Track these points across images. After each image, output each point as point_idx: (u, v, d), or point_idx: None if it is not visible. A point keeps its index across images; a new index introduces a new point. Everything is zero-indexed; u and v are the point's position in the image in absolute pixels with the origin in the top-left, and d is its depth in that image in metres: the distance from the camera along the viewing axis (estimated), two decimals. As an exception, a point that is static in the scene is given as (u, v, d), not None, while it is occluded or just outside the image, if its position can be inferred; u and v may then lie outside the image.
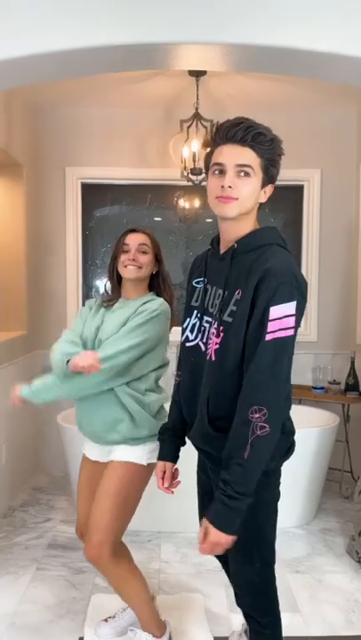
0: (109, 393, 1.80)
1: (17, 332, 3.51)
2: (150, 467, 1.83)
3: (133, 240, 1.91)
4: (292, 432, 1.60)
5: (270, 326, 1.33)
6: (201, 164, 3.31)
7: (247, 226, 1.45)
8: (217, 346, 1.43)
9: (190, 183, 3.42)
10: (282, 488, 3.07)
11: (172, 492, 1.67)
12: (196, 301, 1.56)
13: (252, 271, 1.37)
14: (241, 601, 1.63)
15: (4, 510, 3.14)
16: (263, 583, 1.60)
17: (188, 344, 1.57)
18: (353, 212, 3.82)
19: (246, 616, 1.64)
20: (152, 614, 1.93)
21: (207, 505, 1.42)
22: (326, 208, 3.87)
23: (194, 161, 3.28)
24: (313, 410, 3.46)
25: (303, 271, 3.90)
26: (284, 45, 2.01)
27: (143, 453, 1.83)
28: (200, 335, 1.53)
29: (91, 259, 3.93)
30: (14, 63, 2.05)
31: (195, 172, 3.30)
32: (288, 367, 1.41)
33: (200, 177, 3.36)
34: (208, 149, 1.46)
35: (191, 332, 1.57)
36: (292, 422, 1.60)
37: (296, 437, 3.15)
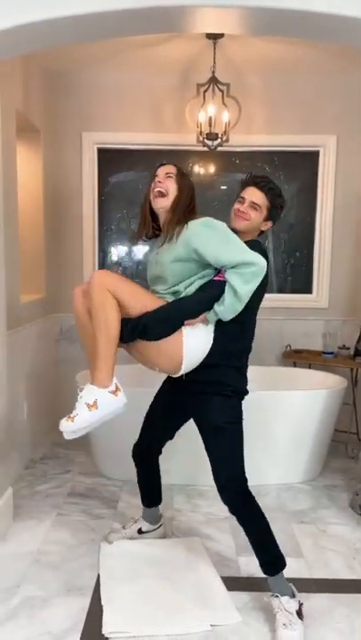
0: None
1: (36, 295, 3.63)
2: None
3: (162, 170, 2.07)
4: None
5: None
6: (217, 129, 3.34)
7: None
8: None
9: (206, 148, 3.44)
10: (288, 445, 3.21)
11: None
12: None
13: None
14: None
15: (26, 462, 3.32)
16: None
17: None
18: (368, 179, 3.83)
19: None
20: (108, 366, 1.93)
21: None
22: (341, 175, 3.87)
23: (210, 125, 3.30)
24: (322, 373, 3.56)
25: (316, 238, 3.96)
26: (304, 9, 2.01)
27: None
28: None
29: (106, 224, 4.00)
30: (30, 28, 2.09)
31: (210, 136, 3.32)
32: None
33: (215, 142, 3.38)
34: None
35: None
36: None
37: (305, 398, 3.29)
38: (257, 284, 1.91)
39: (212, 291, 1.95)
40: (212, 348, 1.98)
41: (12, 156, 2.93)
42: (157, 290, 2.08)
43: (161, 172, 2.07)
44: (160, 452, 2.37)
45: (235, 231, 2.07)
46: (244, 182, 2.13)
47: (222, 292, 1.92)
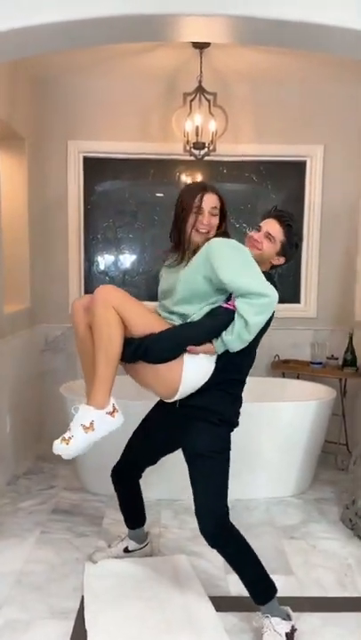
0: None
1: (20, 306, 3.56)
2: None
3: (207, 202, 1.94)
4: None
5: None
6: (204, 138, 3.31)
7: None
8: None
9: (193, 158, 3.41)
10: (277, 457, 3.17)
11: None
12: None
13: None
14: None
15: (9, 478, 3.23)
16: None
17: None
18: (355, 189, 3.83)
19: None
20: (105, 385, 1.87)
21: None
22: (328, 184, 3.87)
23: (197, 135, 3.27)
24: (310, 384, 3.52)
25: (304, 247, 3.94)
26: (288, 19, 2.00)
27: None
28: None
29: (92, 233, 3.95)
30: (17, 34, 2.05)
31: (197, 146, 3.30)
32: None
33: (202, 151, 3.35)
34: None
35: None
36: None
37: (294, 409, 3.24)
38: (267, 317, 1.84)
39: (222, 317, 1.87)
40: (210, 377, 1.92)
41: (-4, 164, 2.88)
42: (166, 304, 2.00)
43: (206, 205, 1.93)
44: (140, 476, 2.29)
45: None
46: (266, 214, 2.11)
47: (231, 320, 1.84)
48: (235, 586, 2.21)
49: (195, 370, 1.89)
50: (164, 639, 1.89)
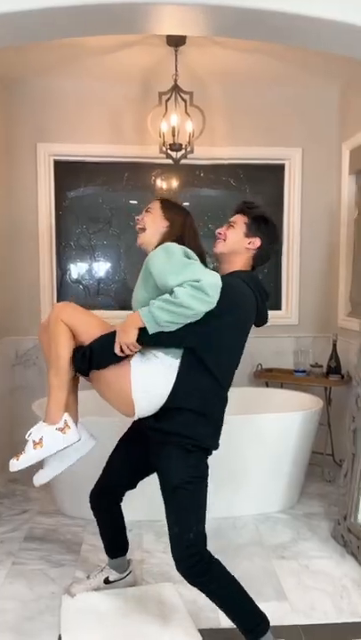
0: None
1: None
2: None
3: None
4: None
5: None
6: (180, 140, 3.18)
7: (237, 266, 1.90)
8: None
9: (170, 160, 3.28)
10: (264, 471, 3.03)
11: None
12: None
13: None
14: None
15: (-22, 502, 3.00)
16: None
17: None
18: (335, 193, 3.75)
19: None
20: (58, 401, 1.82)
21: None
22: (308, 188, 3.79)
23: (173, 135, 3.14)
24: (295, 393, 3.41)
25: (284, 252, 3.84)
26: (266, 8, 1.90)
27: None
28: None
29: (65, 240, 3.76)
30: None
31: (174, 147, 3.16)
32: None
33: (180, 153, 3.22)
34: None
35: None
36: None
37: (279, 421, 3.10)
38: (201, 299, 1.60)
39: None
40: (175, 387, 1.72)
41: None
42: None
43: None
44: (120, 500, 2.10)
45: (215, 257, 1.92)
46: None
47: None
48: (226, 617, 2.06)
49: (146, 376, 1.71)
50: None
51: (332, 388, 3.55)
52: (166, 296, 1.64)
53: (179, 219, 1.92)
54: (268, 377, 3.65)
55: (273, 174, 3.82)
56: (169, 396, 1.72)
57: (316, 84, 3.63)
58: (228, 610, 1.77)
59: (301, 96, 3.70)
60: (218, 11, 1.96)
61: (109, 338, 1.75)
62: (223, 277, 1.72)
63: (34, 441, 1.80)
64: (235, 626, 1.97)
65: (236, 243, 1.87)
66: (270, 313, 3.84)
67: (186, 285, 1.63)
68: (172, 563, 2.40)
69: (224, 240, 1.88)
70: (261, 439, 2.87)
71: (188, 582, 1.77)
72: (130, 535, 2.24)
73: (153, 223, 1.92)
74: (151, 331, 1.65)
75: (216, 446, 1.81)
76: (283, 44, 2.38)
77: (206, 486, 1.78)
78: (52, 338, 1.82)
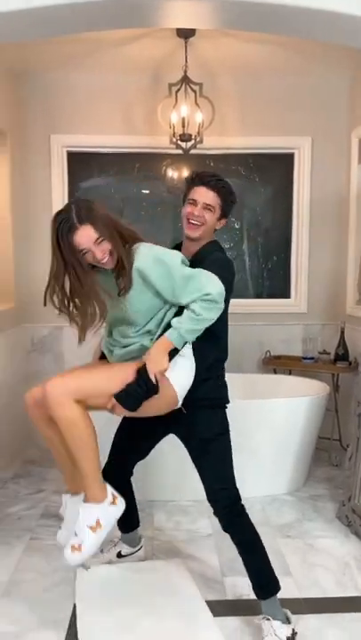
0: None
1: (5, 305, 3.45)
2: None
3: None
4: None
5: None
6: (190, 130, 3.24)
7: (204, 242, 2.00)
8: None
9: (180, 150, 3.34)
10: (271, 455, 3.11)
11: None
12: None
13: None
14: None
15: (-4, 483, 3.14)
16: None
17: None
18: (343, 181, 3.78)
19: None
20: (96, 478, 1.78)
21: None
22: (317, 177, 3.82)
23: (183, 126, 3.20)
24: (303, 379, 3.48)
25: (293, 242, 3.89)
26: (271, 2, 1.94)
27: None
28: None
29: (78, 230, 3.85)
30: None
31: (184, 137, 3.22)
32: None
33: (189, 143, 3.28)
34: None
35: None
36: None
37: (287, 406, 3.19)
38: (216, 308, 1.73)
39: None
40: (197, 365, 1.88)
41: (-25, 158, 2.77)
42: (127, 333, 1.83)
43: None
44: (131, 474, 2.22)
45: (189, 239, 1.96)
46: (189, 181, 1.96)
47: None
48: (232, 589, 2.17)
49: (182, 375, 1.82)
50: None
51: (339, 375, 3.61)
52: (189, 315, 1.72)
53: (104, 218, 1.76)
54: (277, 364, 3.72)
55: (283, 163, 3.85)
56: (195, 374, 1.87)
57: (326, 74, 3.64)
58: (249, 561, 1.90)
59: (311, 85, 3.72)
60: (227, 5, 2.00)
61: (140, 378, 1.73)
62: (217, 253, 1.93)
63: (90, 526, 1.73)
64: (240, 597, 2.09)
65: (211, 225, 1.96)
66: (280, 301, 4.01)
67: (199, 301, 1.72)
68: (182, 539, 2.54)
69: (204, 224, 1.92)
70: (269, 423, 2.95)
71: (223, 527, 1.92)
72: (142, 514, 2.35)
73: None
74: (180, 347, 1.77)
75: (229, 400, 2.01)
76: (291, 36, 2.41)
77: (230, 439, 1.97)
78: (68, 426, 1.69)
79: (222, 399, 1.98)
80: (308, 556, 2.42)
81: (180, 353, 1.80)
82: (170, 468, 2.77)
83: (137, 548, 2.33)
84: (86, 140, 3.70)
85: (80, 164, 3.78)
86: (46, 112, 3.65)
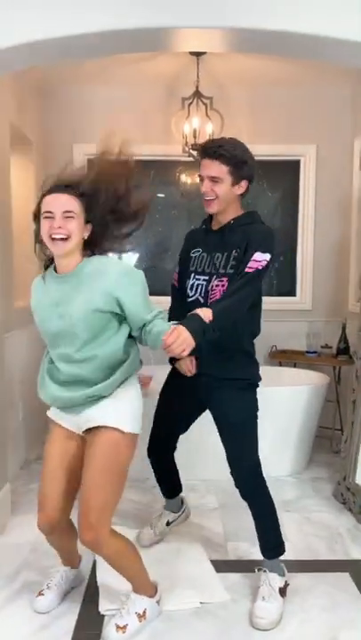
0: None
1: (26, 302, 3.72)
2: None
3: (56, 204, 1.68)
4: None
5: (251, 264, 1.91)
6: (201, 140, 3.50)
7: (233, 211, 1.98)
8: (224, 289, 1.94)
9: (191, 158, 3.61)
10: (275, 440, 3.35)
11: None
12: (193, 266, 2.05)
13: (245, 236, 1.93)
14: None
15: (22, 462, 3.42)
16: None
17: (188, 299, 2.04)
18: (347, 187, 4.01)
19: None
20: (146, 577, 1.95)
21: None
22: (322, 182, 4.06)
23: (194, 137, 3.47)
24: (305, 372, 3.71)
25: (299, 243, 4.13)
26: (276, 29, 2.18)
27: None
28: (196, 292, 2.02)
29: (97, 232, 4.13)
30: (23, 48, 2.22)
31: (195, 147, 3.49)
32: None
33: (200, 152, 3.54)
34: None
35: (190, 289, 2.03)
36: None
37: (290, 394, 3.42)
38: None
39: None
40: (224, 338, 1.84)
41: (6, 165, 3.07)
42: (66, 352, 1.76)
43: (55, 208, 1.67)
44: (175, 446, 2.35)
45: (211, 217, 1.97)
46: (199, 156, 1.92)
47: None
48: (234, 552, 2.42)
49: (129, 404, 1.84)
50: (168, 594, 2.06)
51: (341, 368, 3.84)
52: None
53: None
54: (282, 357, 3.96)
55: (289, 169, 4.10)
56: (221, 345, 1.90)
57: (330, 85, 3.89)
58: (262, 524, 2.06)
59: (316, 96, 3.96)
60: (235, 31, 2.24)
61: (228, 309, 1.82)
62: (262, 226, 1.93)
63: (138, 613, 1.87)
64: (241, 558, 2.33)
65: (227, 194, 1.89)
66: (286, 299, 4.24)
67: (157, 318, 1.72)
68: (191, 511, 2.78)
69: (217, 198, 1.88)
70: (273, 410, 3.19)
71: (242, 496, 2.05)
72: (153, 493, 2.61)
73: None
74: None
75: (260, 378, 2.08)
76: (294, 58, 2.66)
77: (257, 421, 2.08)
78: (115, 562, 1.83)
79: (252, 380, 2.04)
80: (305, 527, 2.66)
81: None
82: (181, 450, 3.02)
83: (180, 512, 2.51)
84: (106, 149, 3.98)
85: (100, 170, 4.06)
86: (69, 123, 3.96)
